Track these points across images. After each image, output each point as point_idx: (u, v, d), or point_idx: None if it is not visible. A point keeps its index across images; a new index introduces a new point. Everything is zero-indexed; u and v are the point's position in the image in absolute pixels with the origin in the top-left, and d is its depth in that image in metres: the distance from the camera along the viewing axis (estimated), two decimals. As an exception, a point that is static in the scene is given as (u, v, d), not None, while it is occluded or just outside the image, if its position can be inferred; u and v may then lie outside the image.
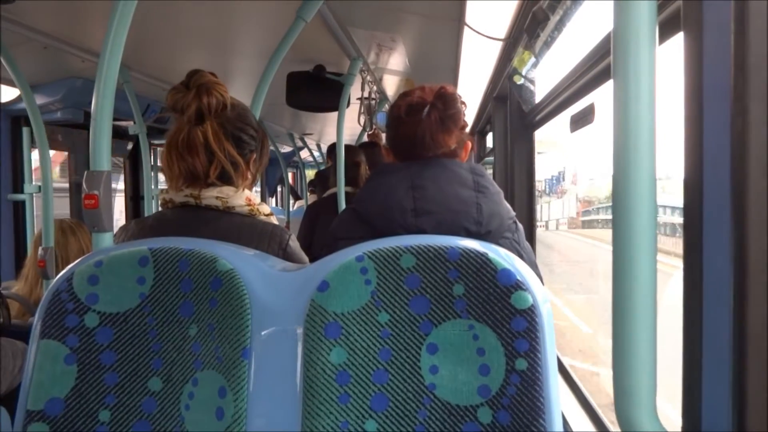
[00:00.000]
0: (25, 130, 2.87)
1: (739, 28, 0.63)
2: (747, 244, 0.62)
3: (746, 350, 0.62)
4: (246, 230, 1.15)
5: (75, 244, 2.05)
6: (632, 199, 0.65)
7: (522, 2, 1.62)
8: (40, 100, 2.73)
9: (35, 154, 2.67)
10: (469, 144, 1.25)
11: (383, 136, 3.61)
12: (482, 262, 0.81)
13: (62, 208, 3.49)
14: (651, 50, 0.65)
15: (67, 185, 3.77)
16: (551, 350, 0.79)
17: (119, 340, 0.86)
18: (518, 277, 0.80)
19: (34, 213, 2.93)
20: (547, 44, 1.70)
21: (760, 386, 0.62)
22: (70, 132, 3.53)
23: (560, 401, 0.80)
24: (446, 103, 1.15)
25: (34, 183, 2.87)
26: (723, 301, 0.66)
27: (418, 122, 1.16)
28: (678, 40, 0.85)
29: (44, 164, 2.31)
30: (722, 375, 0.66)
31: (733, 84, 0.63)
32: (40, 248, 2.07)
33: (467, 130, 1.22)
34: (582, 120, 1.47)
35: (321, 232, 2.92)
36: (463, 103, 1.20)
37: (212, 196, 1.14)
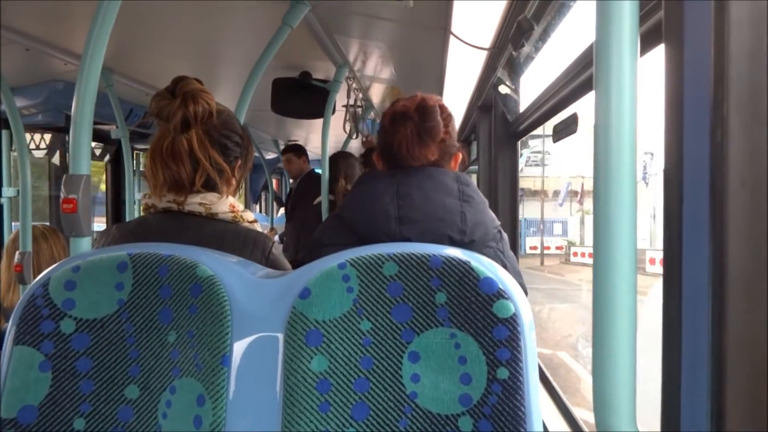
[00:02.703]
0: (3, 133, 2.83)
1: (718, 40, 0.64)
2: (725, 250, 0.63)
3: (725, 352, 0.63)
4: (229, 237, 1.14)
5: (47, 251, 2.02)
6: (613, 208, 0.65)
7: (507, 12, 1.63)
8: (21, 102, 2.69)
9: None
10: (459, 156, 1.24)
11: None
12: (465, 270, 0.81)
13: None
14: (633, 61, 0.66)
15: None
16: (532, 359, 0.79)
17: (96, 346, 0.84)
18: (500, 286, 0.80)
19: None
20: (532, 54, 1.72)
21: (738, 387, 0.63)
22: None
23: (541, 410, 0.80)
24: (424, 115, 1.15)
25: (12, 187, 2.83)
26: (701, 302, 0.67)
27: (396, 132, 1.17)
28: (659, 51, 0.86)
29: (23, 168, 2.28)
30: (700, 377, 0.67)
31: (712, 94, 0.64)
32: (17, 252, 2.04)
33: (454, 140, 1.21)
34: (565, 130, 1.48)
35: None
36: (449, 115, 1.19)
37: (195, 202, 1.13)
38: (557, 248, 25.43)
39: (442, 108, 1.18)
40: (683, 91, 0.72)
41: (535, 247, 25.25)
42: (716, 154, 0.63)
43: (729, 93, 0.63)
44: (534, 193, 28.12)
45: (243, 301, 0.83)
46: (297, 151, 4.07)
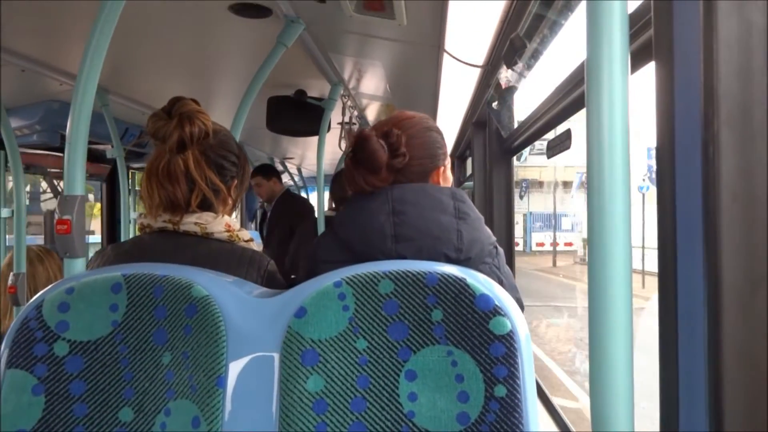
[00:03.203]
0: (-1, 154, 2.83)
1: (708, 58, 0.65)
2: (720, 259, 0.63)
3: (721, 353, 0.63)
4: (224, 256, 1.13)
5: (43, 273, 2.00)
6: (607, 223, 0.65)
7: (499, 30, 1.65)
8: (16, 123, 2.70)
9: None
10: (442, 168, 1.23)
11: None
12: (460, 287, 0.81)
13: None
14: (624, 78, 0.66)
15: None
16: (530, 376, 0.79)
17: (90, 369, 0.83)
18: (496, 303, 0.80)
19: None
20: (524, 72, 1.73)
21: (735, 388, 0.63)
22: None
23: (539, 427, 0.79)
24: (356, 147, 1.15)
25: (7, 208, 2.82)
26: (696, 308, 0.67)
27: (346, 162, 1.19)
28: (650, 69, 0.87)
29: (18, 188, 2.27)
30: (697, 378, 0.67)
31: (703, 112, 0.65)
32: (11, 274, 2.03)
33: (423, 158, 1.20)
34: (559, 146, 1.49)
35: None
36: (400, 135, 1.16)
37: (191, 222, 1.13)
38: (566, 245, 22.88)
39: (388, 134, 1.15)
40: (674, 108, 0.73)
41: (542, 244, 23.16)
42: (708, 170, 0.63)
43: (719, 110, 0.64)
44: (539, 185, 26.50)
45: (238, 321, 0.83)
46: (265, 172, 3.80)
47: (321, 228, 2.96)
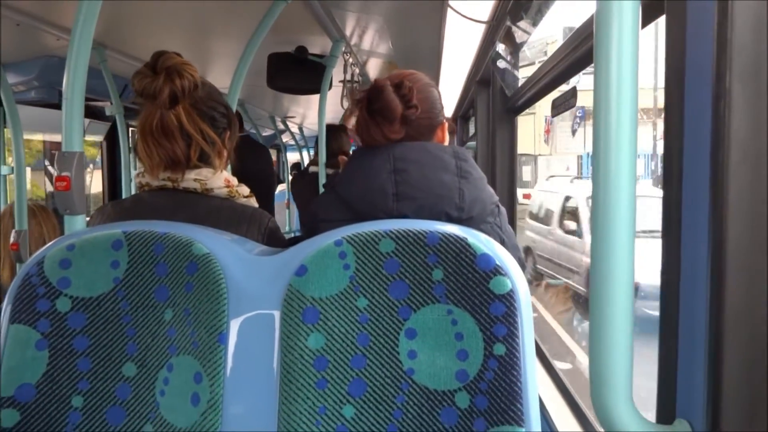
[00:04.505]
0: (-4, 110, 2.80)
1: (722, 10, 0.62)
2: (725, 233, 0.62)
3: (722, 338, 0.62)
4: (225, 214, 1.13)
5: (36, 228, 2.00)
6: (613, 179, 0.64)
7: (506, -16, 1.60)
8: (13, 78, 2.66)
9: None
10: (446, 125, 1.24)
11: None
12: (461, 246, 0.80)
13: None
14: (634, 33, 0.64)
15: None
16: (529, 335, 0.79)
17: (92, 325, 0.84)
18: (497, 262, 0.80)
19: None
20: (529, 28, 1.69)
21: (734, 372, 0.63)
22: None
23: (537, 386, 0.80)
24: (372, 98, 1.16)
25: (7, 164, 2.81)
26: (700, 287, 0.66)
27: (357, 117, 1.20)
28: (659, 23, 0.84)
29: (17, 144, 2.25)
30: (697, 361, 0.67)
31: (716, 66, 0.63)
32: (13, 231, 2.03)
33: (431, 113, 1.20)
34: (564, 104, 1.47)
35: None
36: (413, 89, 1.16)
37: (190, 178, 1.12)
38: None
39: (400, 85, 1.15)
40: (685, 63, 0.71)
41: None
42: (719, 126, 0.62)
43: (732, 64, 0.62)
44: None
45: (239, 279, 0.83)
46: None
47: (321, 187, 2.95)
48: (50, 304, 0.83)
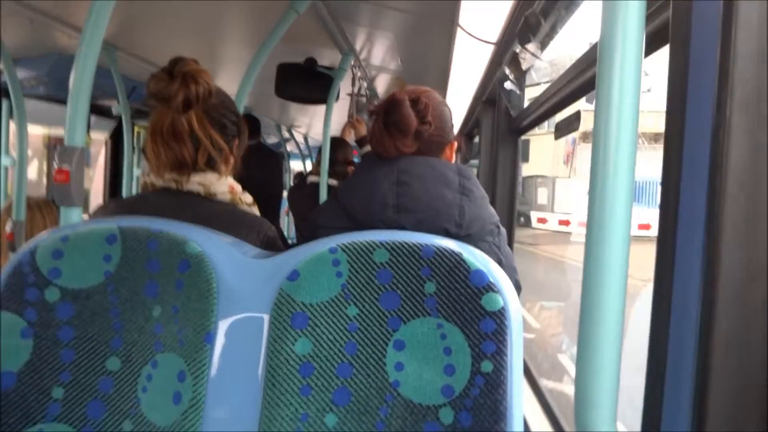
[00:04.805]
0: (3, 102, 2.80)
1: (725, 41, 0.63)
2: (719, 248, 0.62)
3: (710, 351, 0.62)
4: (225, 218, 1.13)
5: (40, 222, 2.01)
6: (609, 205, 0.64)
7: (515, 7, 1.62)
8: (23, 74, 2.67)
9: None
10: (454, 144, 1.25)
11: None
12: (456, 261, 0.80)
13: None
14: (637, 61, 0.64)
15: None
16: (518, 354, 0.79)
17: (80, 316, 0.84)
18: (490, 279, 0.79)
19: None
20: (539, 50, 1.70)
21: (721, 387, 0.62)
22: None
23: (523, 405, 0.79)
24: (389, 110, 1.17)
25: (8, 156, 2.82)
26: (691, 302, 0.66)
27: (371, 128, 1.21)
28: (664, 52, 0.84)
29: (21, 137, 2.26)
30: (684, 376, 0.66)
31: (716, 95, 0.63)
32: (9, 221, 2.03)
33: (442, 131, 1.21)
34: (567, 127, 1.47)
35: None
36: (428, 106, 1.17)
37: (195, 181, 1.13)
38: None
39: (417, 101, 1.17)
40: (687, 91, 0.71)
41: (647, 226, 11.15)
42: (717, 154, 0.62)
43: (734, 94, 0.62)
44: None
45: (230, 280, 0.82)
46: None
47: (323, 196, 2.96)
48: (39, 294, 0.83)
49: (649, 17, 0.93)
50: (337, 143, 3.24)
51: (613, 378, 0.64)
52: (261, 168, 3.43)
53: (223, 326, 0.80)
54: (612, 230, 0.64)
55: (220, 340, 0.80)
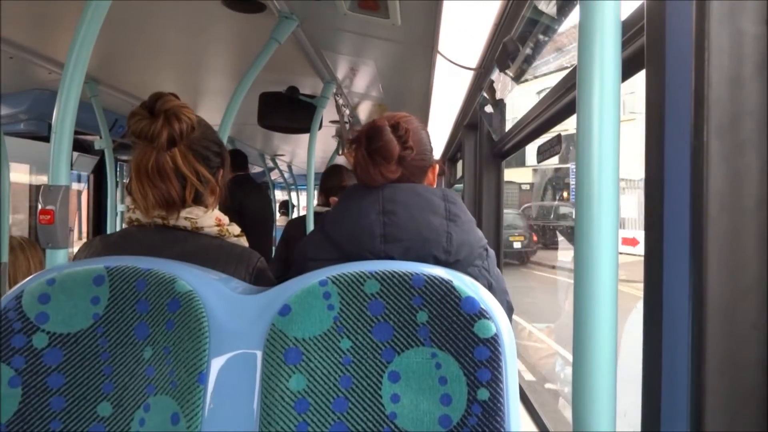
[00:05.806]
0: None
1: (699, 66, 0.65)
2: (706, 270, 0.63)
3: (704, 354, 0.63)
4: (213, 252, 1.12)
5: (24, 263, 1.97)
6: (595, 228, 0.65)
7: (493, 33, 1.65)
8: (3, 110, 2.66)
9: None
10: (436, 168, 1.25)
11: None
12: (446, 289, 0.80)
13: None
14: (615, 85, 0.66)
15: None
16: (513, 380, 0.79)
17: (69, 362, 0.82)
18: (482, 306, 0.80)
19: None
20: (518, 75, 1.73)
21: (717, 390, 0.63)
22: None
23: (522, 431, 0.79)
24: (371, 137, 1.17)
25: None
26: (681, 336, 0.67)
27: (353, 156, 1.20)
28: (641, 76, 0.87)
29: (2, 176, 2.24)
30: (681, 379, 0.67)
31: (693, 120, 0.65)
32: (-8, 263, 2.00)
33: (423, 155, 1.21)
34: (549, 150, 1.50)
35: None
36: (409, 131, 1.18)
37: (182, 216, 1.12)
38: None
39: (396, 126, 1.17)
40: (664, 116, 0.73)
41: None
42: (697, 179, 0.63)
43: (710, 119, 0.64)
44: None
45: (221, 317, 0.82)
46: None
47: (311, 225, 2.95)
48: (26, 340, 0.82)
49: (625, 43, 0.96)
50: (333, 170, 3.23)
51: (611, 377, 0.64)
52: (252, 198, 3.43)
53: (215, 365, 0.79)
54: (599, 248, 0.65)
55: (213, 380, 0.79)
